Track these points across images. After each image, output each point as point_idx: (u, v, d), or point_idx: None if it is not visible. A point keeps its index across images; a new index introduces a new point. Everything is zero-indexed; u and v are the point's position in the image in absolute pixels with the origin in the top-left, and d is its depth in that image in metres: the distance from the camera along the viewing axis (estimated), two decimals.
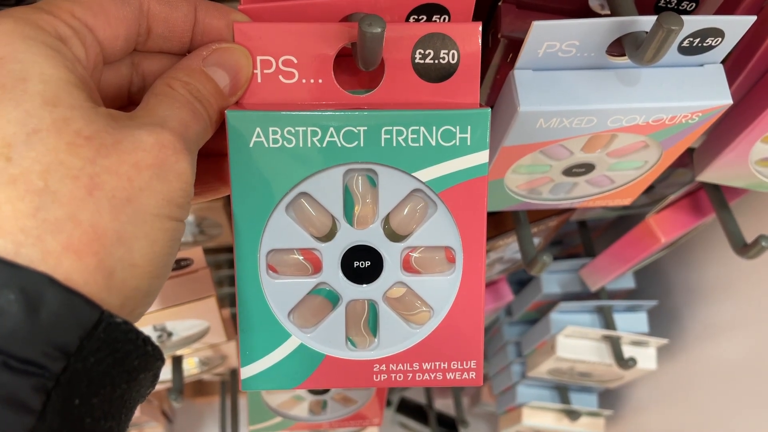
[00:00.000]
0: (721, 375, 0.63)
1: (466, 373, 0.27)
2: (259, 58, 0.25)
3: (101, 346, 0.18)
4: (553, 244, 0.78)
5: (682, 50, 0.27)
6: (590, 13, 0.30)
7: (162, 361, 0.21)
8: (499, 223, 0.46)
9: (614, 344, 0.63)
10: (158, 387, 0.67)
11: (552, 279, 0.67)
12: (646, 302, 0.64)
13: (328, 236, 0.26)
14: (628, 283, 0.68)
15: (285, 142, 0.25)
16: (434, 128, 0.25)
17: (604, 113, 0.28)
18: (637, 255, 0.49)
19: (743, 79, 0.34)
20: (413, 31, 0.25)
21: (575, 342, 0.64)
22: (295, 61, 0.25)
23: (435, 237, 0.26)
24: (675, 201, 0.47)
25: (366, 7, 0.25)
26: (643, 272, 0.70)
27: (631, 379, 0.71)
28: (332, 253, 0.26)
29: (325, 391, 0.45)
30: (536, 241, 0.51)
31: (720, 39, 0.27)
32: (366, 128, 0.25)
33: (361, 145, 0.25)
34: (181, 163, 0.21)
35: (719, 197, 0.45)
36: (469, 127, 0.25)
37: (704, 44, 0.27)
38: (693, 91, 0.28)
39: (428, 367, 0.27)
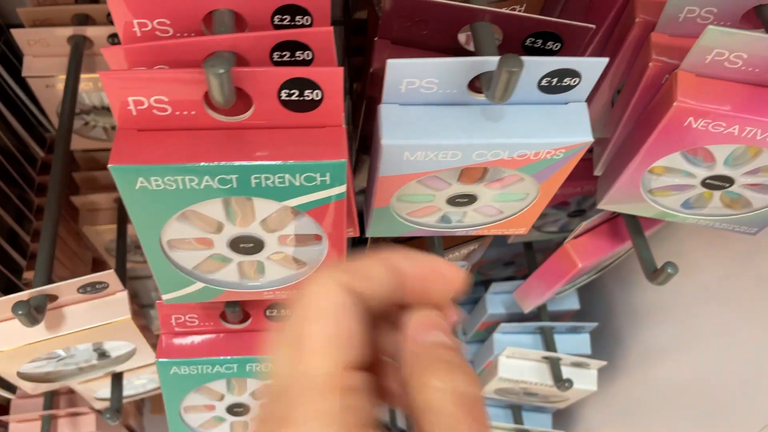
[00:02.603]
0: (665, 396, 0.64)
1: None
2: (131, 98, 0.26)
3: None
4: (505, 265, 0.78)
5: (543, 89, 0.28)
6: (461, 50, 0.30)
7: None
8: (416, 248, 0.47)
9: (553, 365, 0.63)
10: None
11: (496, 300, 0.67)
12: (588, 324, 0.64)
13: (217, 230, 0.30)
14: (573, 304, 0.68)
15: (166, 186, 0.27)
16: (298, 175, 0.27)
17: (467, 148, 0.28)
18: (558, 279, 0.50)
19: (630, 114, 0.35)
20: (278, 75, 0.25)
21: (516, 363, 0.65)
22: (166, 99, 0.26)
23: (305, 229, 0.31)
24: (594, 227, 0.48)
25: (228, 45, 0.26)
26: (587, 293, 0.70)
27: (577, 400, 0.71)
28: (221, 240, 0.31)
29: (245, 413, 0.46)
30: (463, 264, 0.52)
31: (578, 79, 0.28)
32: (237, 176, 0.27)
33: (235, 186, 0.27)
34: None
35: (635, 223, 0.46)
36: (328, 174, 0.27)
37: (563, 84, 0.28)
38: (555, 128, 0.29)
39: None
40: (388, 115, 0.28)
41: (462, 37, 0.30)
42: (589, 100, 0.39)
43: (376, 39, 0.30)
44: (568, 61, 0.27)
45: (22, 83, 0.51)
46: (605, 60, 0.27)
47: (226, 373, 0.42)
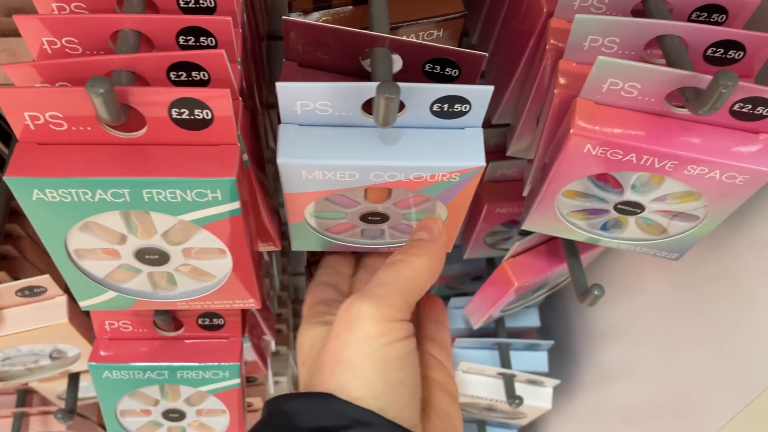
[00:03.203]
0: (626, 414, 0.64)
1: (247, 304, 0.36)
2: (26, 113, 0.27)
3: None
4: (474, 279, 0.79)
5: (436, 114, 0.29)
6: (366, 73, 0.31)
7: None
8: None
9: (507, 382, 0.64)
10: (88, 402, 0.70)
11: (458, 314, 0.68)
12: (544, 342, 0.65)
13: (121, 242, 0.31)
14: (534, 321, 0.69)
15: (62, 199, 0.28)
16: (188, 191, 0.28)
17: (363, 169, 0.29)
18: (499, 297, 0.50)
19: (544, 138, 0.35)
20: (166, 95, 0.26)
21: (473, 378, 0.65)
22: (61, 115, 0.27)
23: (206, 243, 0.31)
24: (533, 246, 0.48)
25: (125, 64, 0.27)
26: (549, 311, 0.71)
27: (537, 417, 0.71)
28: (127, 251, 0.32)
29: (181, 418, 0.46)
30: None
31: (468, 105, 0.28)
32: (129, 190, 0.27)
33: (128, 200, 0.28)
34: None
35: (570, 245, 0.47)
36: (218, 190, 0.28)
37: (455, 110, 0.28)
38: (449, 152, 0.29)
39: (218, 303, 0.36)
40: (285, 134, 0.29)
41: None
42: (517, 121, 0.40)
43: (284, 61, 0.31)
44: (455, 89, 0.28)
45: None
46: (490, 88, 0.28)
47: (158, 379, 0.43)
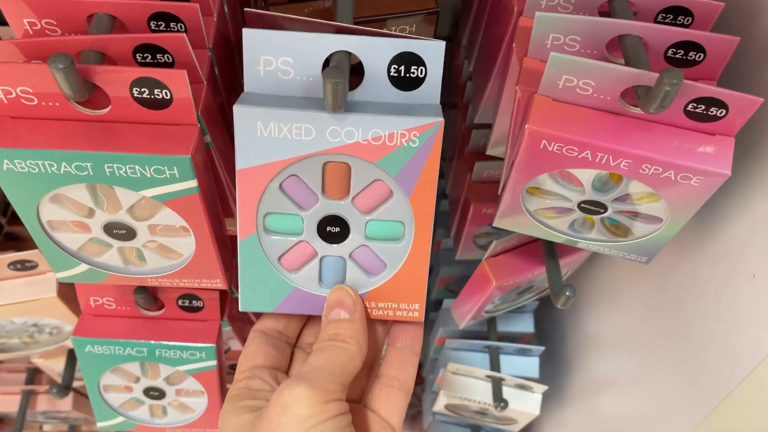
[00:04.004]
0: (617, 424, 0.63)
1: (214, 284, 0.37)
2: None
3: None
4: None
5: (394, 81, 0.29)
6: None
7: None
8: None
9: (495, 385, 0.64)
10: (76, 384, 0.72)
11: (451, 316, 0.68)
12: (535, 347, 0.64)
13: (89, 215, 0.33)
14: (527, 327, 0.69)
15: (30, 169, 0.29)
16: (147, 167, 0.29)
17: (319, 123, 0.29)
18: (480, 297, 0.50)
19: (511, 136, 0.36)
20: (127, 74, 0.28)
21: (461, 379, 0.65)
22: (31, 90, 0.29)
23: (169, 220, 0.33)
24: (515, 246, 0.48)
25: (93, 45, 0.29)
26: (543, 317, 0.70)
27: (526, 424, 0.71)
28: (96, 225, 0.33)
29: (161, 397, 0.48)
30: None
31: (424, 69, 0.29)
32: (92, 164, 0.29)
33: (91, 174, 0.30)
34: None
35: (549, 245, 0.47)
36: (175, 167, 0.29)
37: (411, 74, 0.29)
38: (407, 113, 0.29)
39: (187, 282, 0.37)
40: (247, 94, 0.29)
41: None
42: (495, 121, 0.41)
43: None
44: (408, 43, 0.28)
45: None
46: (443, 43, 0.28)
47: (137, 356, 0.44)
